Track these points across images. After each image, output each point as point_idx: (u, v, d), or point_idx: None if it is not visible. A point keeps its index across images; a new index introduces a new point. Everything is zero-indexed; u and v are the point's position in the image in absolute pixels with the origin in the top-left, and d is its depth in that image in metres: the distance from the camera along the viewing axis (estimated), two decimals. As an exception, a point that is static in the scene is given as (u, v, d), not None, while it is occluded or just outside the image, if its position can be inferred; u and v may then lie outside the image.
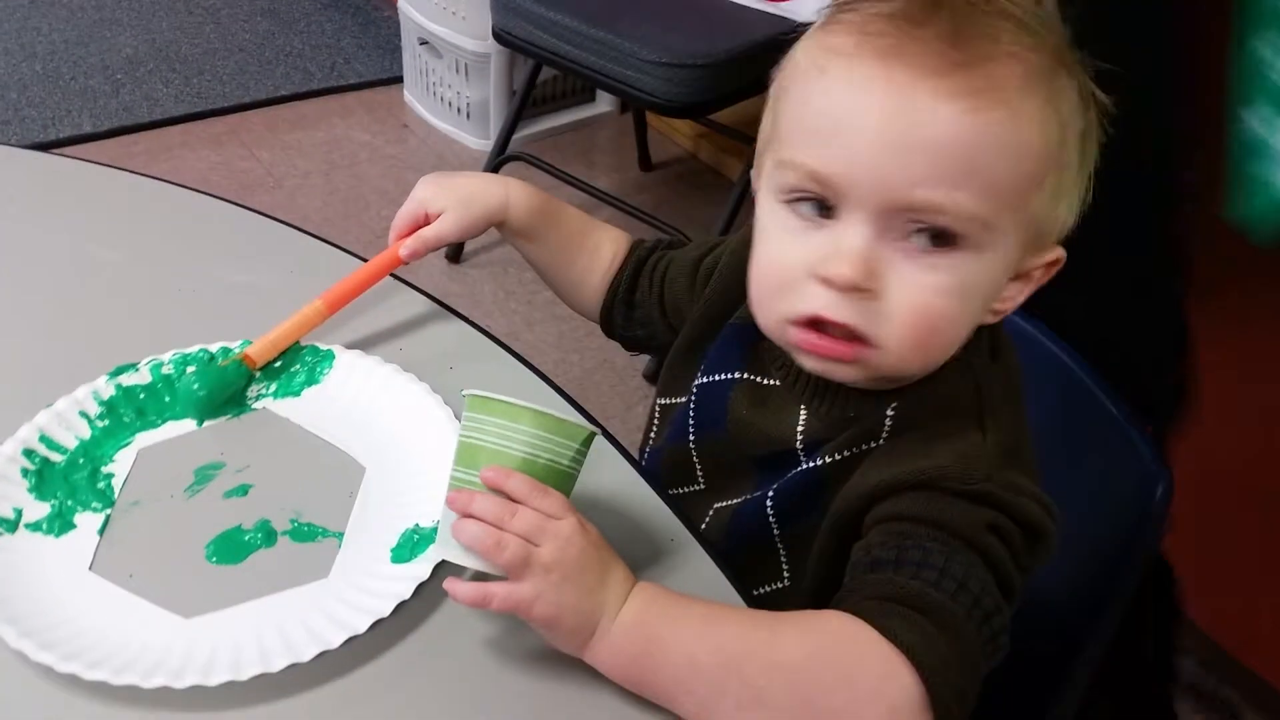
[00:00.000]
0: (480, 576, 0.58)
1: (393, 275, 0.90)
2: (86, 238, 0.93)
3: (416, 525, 0.67)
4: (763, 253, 0.64)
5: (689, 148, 2.71)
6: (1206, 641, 1.54)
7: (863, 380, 0.63)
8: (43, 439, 0.72)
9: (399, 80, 2.83)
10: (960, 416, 0.63)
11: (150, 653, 0.59)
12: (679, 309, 0.82)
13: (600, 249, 0.86)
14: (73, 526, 0.68)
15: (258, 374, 0.78)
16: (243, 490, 0.71)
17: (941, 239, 0.57)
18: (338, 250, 0.93)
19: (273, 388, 0.79)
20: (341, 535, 0.68)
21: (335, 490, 0.71)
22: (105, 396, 0.76)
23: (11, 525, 0.67)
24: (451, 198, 0.82)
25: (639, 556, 0.58)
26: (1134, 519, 0.77)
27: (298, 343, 0.80)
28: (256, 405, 0.78)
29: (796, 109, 0.60)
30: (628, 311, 0.86)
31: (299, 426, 0.76)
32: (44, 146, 2.33)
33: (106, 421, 0.75)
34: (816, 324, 0.60)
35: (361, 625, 0.60)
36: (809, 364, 0.63)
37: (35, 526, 0.68)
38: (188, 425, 0.76)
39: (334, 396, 0.78)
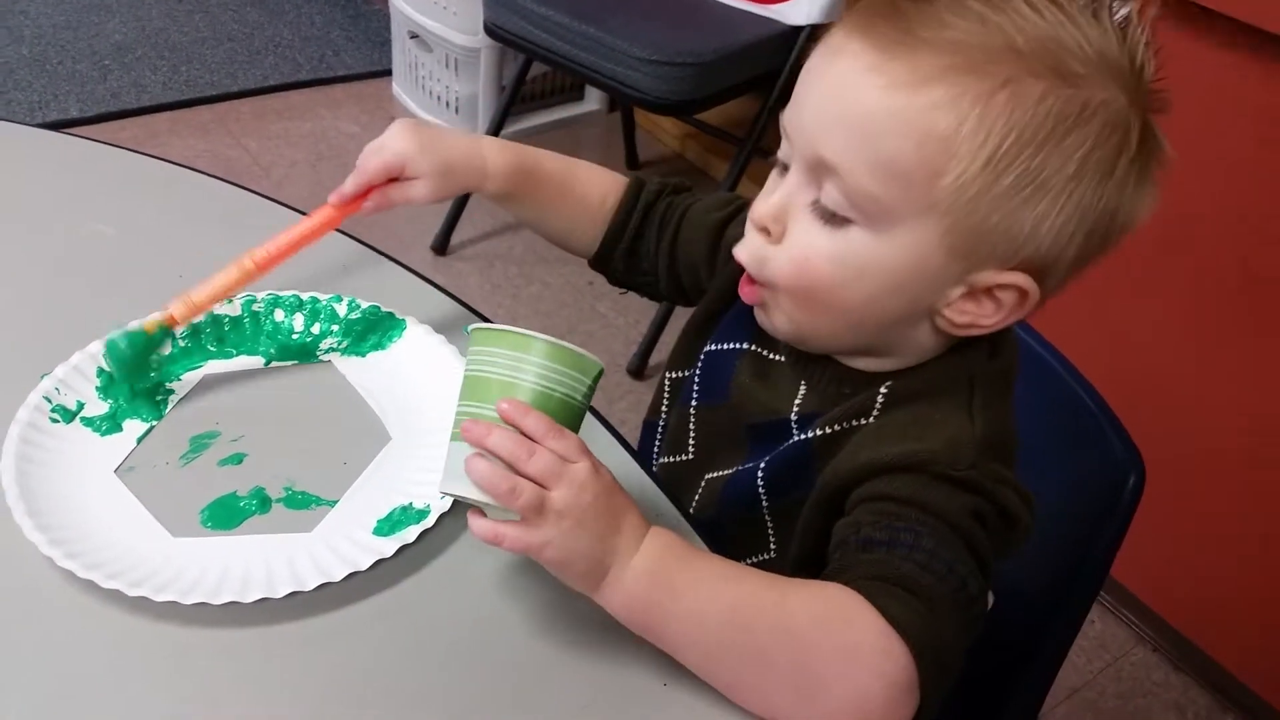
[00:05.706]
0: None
1: (383, 254, 0.91)
2: (84, 212, 0.94)
3: (410, 504, 0.68)
4: None
5: (676, 148, 2.74)
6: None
7: (794, 339, 0.67)
8: None
9: (387, 73, 2.84)
10: (951, 404, 0.65)
11: (143, 565, 0.63)
12: (695, 270, 0.82)
13: (587, 196, 0.85)
14: (119, 430, 0.73)
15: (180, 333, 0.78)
16: (237, 459, 0.72)
17: (837, 219, 0.61)
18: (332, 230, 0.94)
19: (345, 344, 0.81)
20: (335, 503, 0.69)
21: (342, 456, 0.73)
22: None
23: (69, 416, 0.72)
24: (431, 163, 0.78)
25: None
26: (1105, 508, 0.79)
27: (376, 307, 0.82)
28: (324, 357, 0.81)
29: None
30: (630, 259, 0.84)
31: (351, 385, 0.79)
32: (30, 129, 2.32)
33: (187, 343, 0.79)
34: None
35: (338, 574, 0.63)
36: (758, 320, 0.68)
37: (88, 422, 0.73)
38: (255, 362, 0.80)
39: (392, 365, 0.80)
